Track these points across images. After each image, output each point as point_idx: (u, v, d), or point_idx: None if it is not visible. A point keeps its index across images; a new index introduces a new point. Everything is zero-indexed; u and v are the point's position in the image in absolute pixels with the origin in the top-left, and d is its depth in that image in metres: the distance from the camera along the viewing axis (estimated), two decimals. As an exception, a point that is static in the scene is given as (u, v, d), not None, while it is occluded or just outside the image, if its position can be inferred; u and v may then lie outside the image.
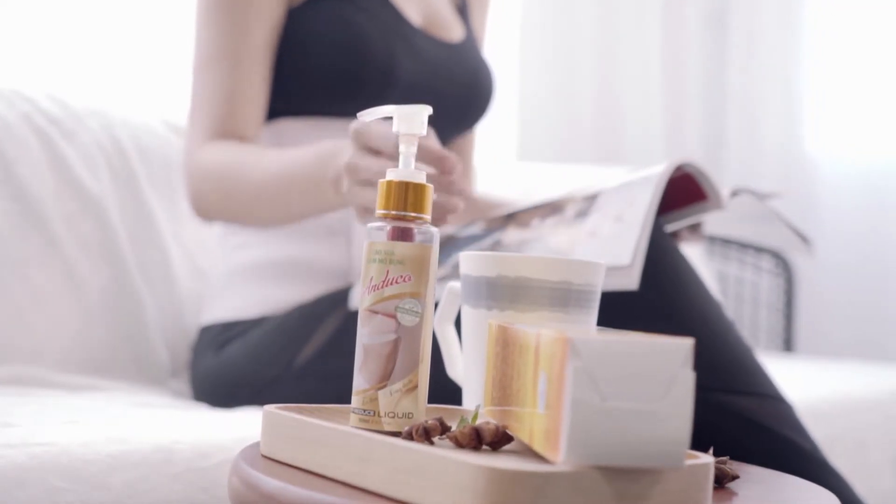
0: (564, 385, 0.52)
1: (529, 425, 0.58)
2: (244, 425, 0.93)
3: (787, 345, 2.44)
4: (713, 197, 1.05)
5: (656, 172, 0.95)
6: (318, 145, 1.06)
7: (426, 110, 0.69)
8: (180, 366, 1.37)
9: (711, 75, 2.80)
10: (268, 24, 1.20)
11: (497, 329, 0.68)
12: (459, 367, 0.80)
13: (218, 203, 1.17)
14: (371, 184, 0.90)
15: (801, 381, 1.64)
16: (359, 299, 1.09)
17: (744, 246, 2.45)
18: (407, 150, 0.68)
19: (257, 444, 0.70)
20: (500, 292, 0.71)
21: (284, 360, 1.12)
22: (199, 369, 1.22)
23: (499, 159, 2.36)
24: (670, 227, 1.07)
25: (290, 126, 1.23)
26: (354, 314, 1.08)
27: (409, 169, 0.68)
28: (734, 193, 1.14)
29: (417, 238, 0.67)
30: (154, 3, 1.85)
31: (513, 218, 1.06)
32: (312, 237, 1.21)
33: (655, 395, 0.52)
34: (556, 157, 2.48)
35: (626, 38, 2.71)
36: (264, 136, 1.24)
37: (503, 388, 0.65)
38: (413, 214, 0.67)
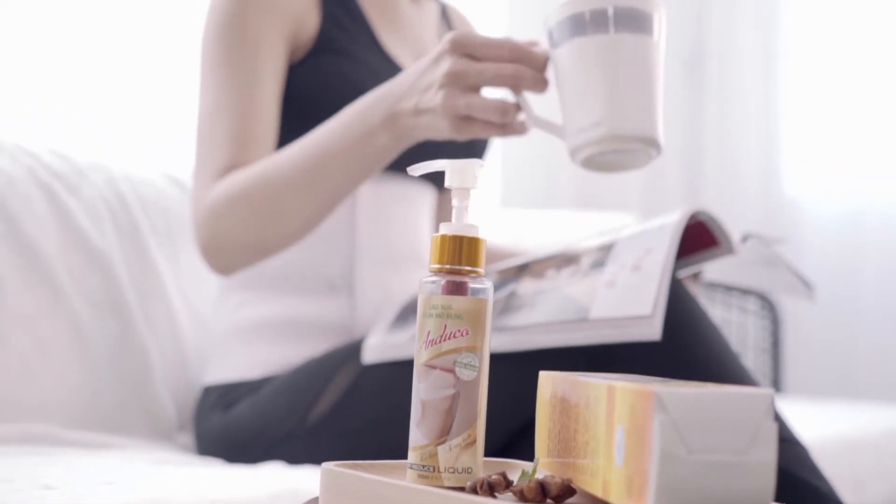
0: (650, 438, 0.52)
1: (603, 478, 0.58)
2: (274, 482, 0.92)
3: (776, 385, 2.46)
4: (725, 243, 1.06)
5: (672, 221, 0.96)
6: (349, 107, 1.04)
7: (478, 164, 0.69)
8: (186, 419, 1.35)
9: (689, 118, 2.84)
10: (278, 76, 1.17)
11: (552, 380, 0.68)
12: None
13: (239, 224, 1.07)
14: (475, 89, 0.93)
15: (793, 422, 1.65)
16: (372, 353, 1.09)
17: (729, 288, 2.47)
18: (460, 204, 0.69)
19: (313, 501, 0.69)
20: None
21: (297, 415, 1.10)
22: (206, 427, 1.20)
23: (483, 206, 2.38)
24: (680, 274, 1.08)
25: None
26: (366, 369, 1.08)
27: (462, 223, 0.68)
28: (744, 239, 1.16)
29: (472, 292, 0.67)
30: (152, 61, 1.85)
31: (526, 269, 1.06)
32: (313, 294, 1.20)
33: (741, 447, 0.52)
34: (539, 203, 2.50)
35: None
36: None
37: (564, 440, 0.65)
38: (468, 268, 0.67)
